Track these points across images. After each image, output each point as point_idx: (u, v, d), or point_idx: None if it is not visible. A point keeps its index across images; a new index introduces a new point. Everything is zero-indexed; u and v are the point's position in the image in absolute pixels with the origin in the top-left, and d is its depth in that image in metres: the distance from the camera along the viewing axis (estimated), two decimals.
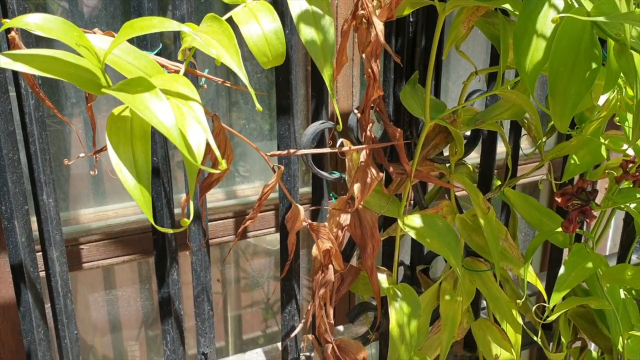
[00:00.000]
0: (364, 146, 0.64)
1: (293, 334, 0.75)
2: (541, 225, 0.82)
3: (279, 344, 0.93)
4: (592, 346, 0.93)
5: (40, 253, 0.67)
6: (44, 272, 0.68)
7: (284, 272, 0.71)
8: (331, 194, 0.73)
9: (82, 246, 0.94)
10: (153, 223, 0.40)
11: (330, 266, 0.67)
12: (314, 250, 0.68)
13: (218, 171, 0.40)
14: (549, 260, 0.91)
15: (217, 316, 1.25)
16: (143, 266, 1.10)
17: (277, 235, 1.22)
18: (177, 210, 0.89)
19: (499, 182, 0.83)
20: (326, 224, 0.66)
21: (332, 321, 0.71)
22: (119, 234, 0.96)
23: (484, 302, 0.87)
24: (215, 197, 1.09)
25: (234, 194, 1.11)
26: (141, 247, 0.98)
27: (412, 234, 0.69)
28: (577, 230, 0.74)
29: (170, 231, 0.42)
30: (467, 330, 0.86)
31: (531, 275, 0.77)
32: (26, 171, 0.64)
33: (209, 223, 0.98)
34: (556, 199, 0.75)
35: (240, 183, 1.13)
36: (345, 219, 0.69)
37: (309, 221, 0.64)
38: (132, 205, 1.04)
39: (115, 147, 0.39)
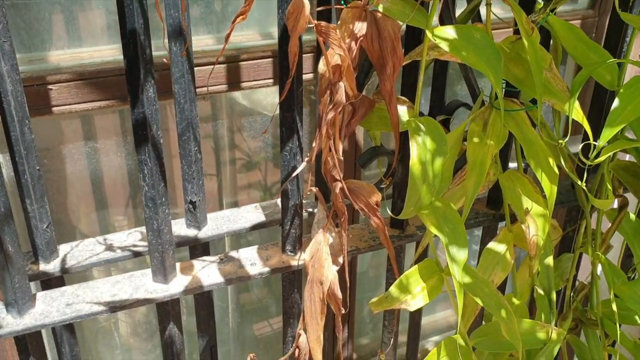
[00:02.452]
0: None
1: (295, 174, 0.63)
2: (587, 59, 0.69)
3: (278, 200, 0.83)
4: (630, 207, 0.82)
5: None
6: None
7: (283, 93, 0.59)
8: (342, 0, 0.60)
9: (50, 86, 0.81)
10: None
11: (341, 84, 0.55)
12: (321, 65, 0.56)
13: None
14: (591, 104, 0.79)
15: (212, 200, 1.14)
16: (126, 116, 0.97)
17: (275, 99, 1.09)
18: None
19: (541, 5, 0.69)
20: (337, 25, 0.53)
21: (342, 157, 0.60)
22: (93, 74, 0.83)
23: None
24: (204, 43, 0.95)
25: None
26: (119, 91, 0.85)
27: (444, 45, 0.55)
28: None
29: None
30: (493, 183, 0.75)
31: (577, 113, 0.65)
32: None
33: (196, 68, 0.85)
34: None
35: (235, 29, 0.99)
36: (360, 28, 0.55)
37: (316, 21, 0.51)
38: (109, 47, 0.90)
39: None
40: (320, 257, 0.63)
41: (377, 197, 0.63)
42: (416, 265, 0.65)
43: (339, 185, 0.59)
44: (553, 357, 0.75)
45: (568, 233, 0.89)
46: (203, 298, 0.77)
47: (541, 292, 0.79)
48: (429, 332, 1.58)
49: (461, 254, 0.59)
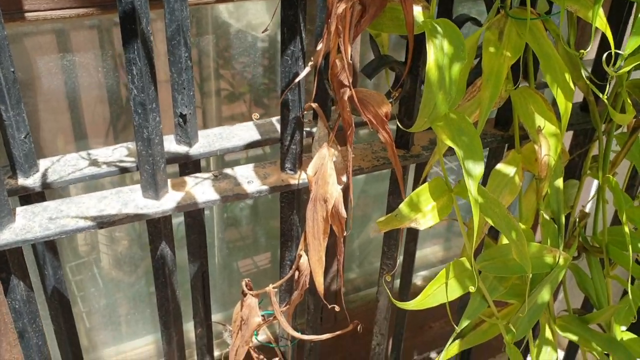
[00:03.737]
0: None
1: (296, 81, 0.58)
2: None
3: (273, 119, 0.78)
4: None
5: None
6: None
7: None
8: None
9: None
10: None
11: None
12: None
13: None
14: (609, 16, 0.74)
15: None
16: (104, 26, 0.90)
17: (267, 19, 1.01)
18: None
19: None
20: None
21: (351, 61, 0.54)
22: None
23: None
24: None
25: None
26: None
27: None
28: None
29: None
30: (505, 100, 0.71)
31: (601, 21, 0.60)
32: None
33: None
34: None
35: None
36: None
37: None
38: None
39: None
40: (325, 173, 0.59)
41: (387, 107, 0.58)
42: (426, 183, 0.61)
43: (347, 92, 0.55)
44: (558, 283, 0.72)
45: (574, 159, 0.85)
46: (195, 222, 0.72)
47: (547, 217, 0.76)
48: (417, 267, 1.57)
49: (477, 169, 0.55)
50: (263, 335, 1.35)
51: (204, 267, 0.76)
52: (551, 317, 0.82)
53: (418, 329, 1.56)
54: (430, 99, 0.55)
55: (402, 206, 0.59)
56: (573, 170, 0.85)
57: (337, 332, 0.74)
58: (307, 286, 0.67)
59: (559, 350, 0.82)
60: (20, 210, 0.58)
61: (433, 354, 1.59)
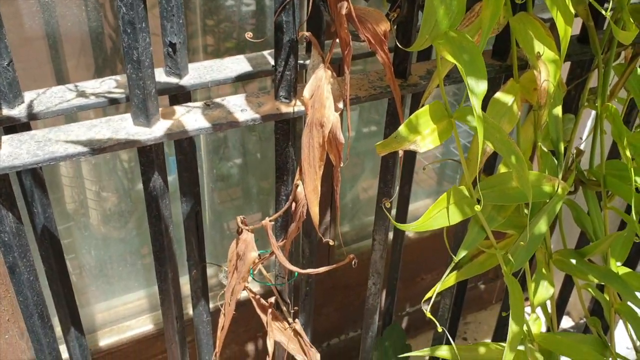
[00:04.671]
0: None
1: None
2: None
3: (265, 52, 0.75)
4: None
5: None
6: None
7: None
8: None
9: None
10: None
11: None
12: None
13: None
14: None
15: None
16: None
17: None
18: None
19: None
20: None
21: None
22: None
23: None
24: None
25: None
26: None
27: None
28: None
29: None
30: (503, 27, 0.69)
31: None
32: None
33: None
34: None
35: None
36: None
37: None
38: None
39: None
40: (321, 95, 0.57)
41: (385, 25, 0.56)
42: (426, 106, 0.59)
43: (345, 6, 0.53)
44: (555, 215, 0.72)
45: (570, 92, 0.84)
46: (186, 158, 0.70)
47: (545, 149, 0.75)
48: (409, 220, 1.57)
49: (480, 86, 0.54)
50: (257, 287, 1.35)
51: (197, 207, 0.75)
52: (547, 252, 0.82)
53: (410, 281, 1.57)
54: (432, 15, 0.53)
55: (402, 128, 0.57)
56: (569, 104, 0.84)
57: (334, 265, 0.73)
58: (305, 217, 0.65)
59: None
60: (6, 138, 0.56)
61: (425, 306, 1.59)
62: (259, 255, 0.70)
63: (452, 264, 0.70)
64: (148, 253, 1.28)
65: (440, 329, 0.67)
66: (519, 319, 0.66)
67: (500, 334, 1.11)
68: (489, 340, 1.07)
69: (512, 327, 0.65)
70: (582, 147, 0.84)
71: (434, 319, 0.67)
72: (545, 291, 0.80)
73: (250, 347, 1.38)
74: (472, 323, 1.80)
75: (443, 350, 0.81)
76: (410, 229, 0.60)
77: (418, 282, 1.58)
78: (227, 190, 1.32)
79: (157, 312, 1.27)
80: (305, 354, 0.81)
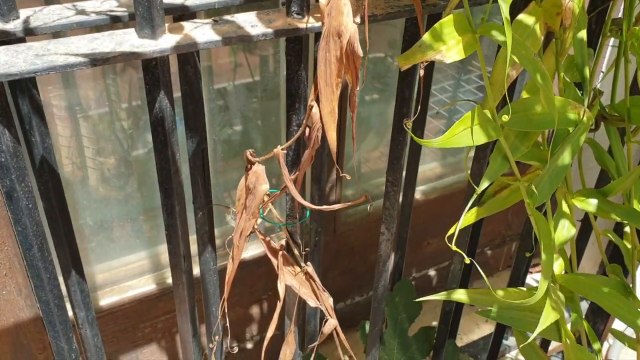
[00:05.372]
0: None
1: None
2: None
3: None
4: None
5: None
6: None
7: None
8: None
9: None
10: None
11: None
12: None
13: None
14: None
15: None
16: None
17: None
18: None
19: None
20: None
21: None
22: None
23: None
24: None
25: None
26: None
27: None
28: None
29: None
30: None
31: None
32: None
33: None
34: None
35: None
36: None
37: None
38: None
39: None
40: (339, 2, 0.54)
41: None
42: (450, 15, 0.56)
43: None
44: (579, 147, 0.69)
45: (591, 25, 0.81)
46: (192, 89, 0.67)
47: (567, 79, 0.72)
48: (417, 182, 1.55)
49: None
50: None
51: (203, 143, 0.71)
52: (568, 192, 0.78)
53: (416, 245, 1.54)
54: None
55: (426, 36, 0.54)
56: (590, 38, 0.81)
57: (349, 203, 0.69)
58: (319, 143, 0.62)
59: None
60: (1, 48, 0.52)
61: (432, 271, 1.57)
62: (269, 193, 0.67)
63: (473, 198, 0.66)
64: (151, 214, 1.24)
65: (467, 260, 0.64)
66: (549, 249, 0.63)
67: None
68: None
69: (544, 258, 0.62)
70: (600, 84, 0.81)
71: (459, 250, 0.64)
72: (566, 232, 0.77)
73: (255, 310, 1.35)
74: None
75: (459, 294, 0.78)
76: (434, 145, 0.56)
77: (424, 246, 1.55)
78: (229, 160, 1.29)
79: (159, 272, 1.24)
80: (318, 298, 0.78)
